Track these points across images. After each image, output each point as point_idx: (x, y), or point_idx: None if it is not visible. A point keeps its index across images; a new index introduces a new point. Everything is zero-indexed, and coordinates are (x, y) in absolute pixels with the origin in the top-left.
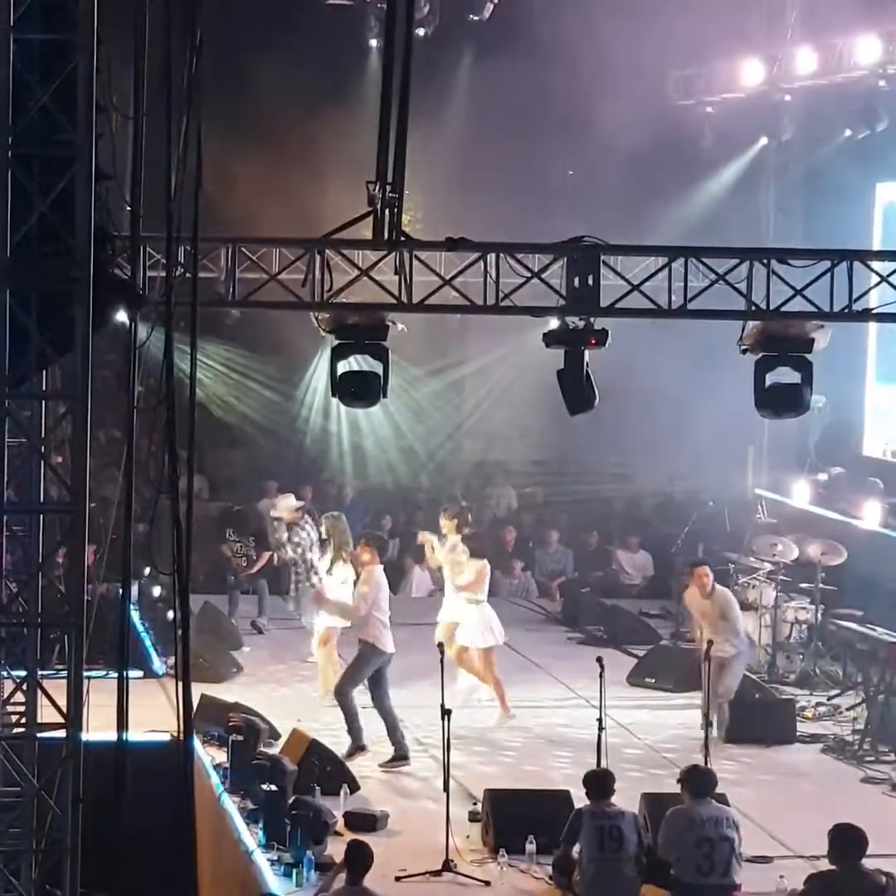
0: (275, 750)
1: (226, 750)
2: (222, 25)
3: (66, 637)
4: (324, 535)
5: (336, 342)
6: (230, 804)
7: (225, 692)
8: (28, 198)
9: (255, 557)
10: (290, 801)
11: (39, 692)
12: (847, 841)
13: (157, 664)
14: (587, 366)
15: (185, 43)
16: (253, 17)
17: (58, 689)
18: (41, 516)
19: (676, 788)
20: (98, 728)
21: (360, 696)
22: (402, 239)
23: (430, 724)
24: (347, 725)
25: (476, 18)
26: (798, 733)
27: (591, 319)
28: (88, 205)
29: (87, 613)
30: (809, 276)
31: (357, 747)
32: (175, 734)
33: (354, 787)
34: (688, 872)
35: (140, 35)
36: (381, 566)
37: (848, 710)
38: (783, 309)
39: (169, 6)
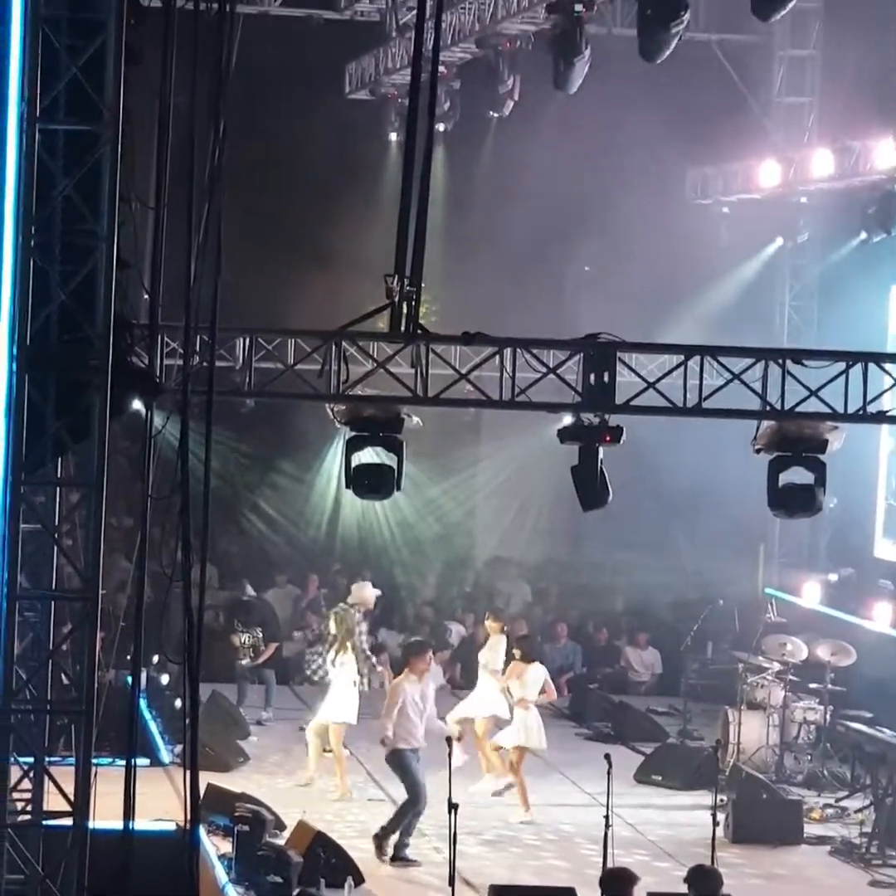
0: (280, 841)
1: (231, 840)
2: (244, 117)
3: (74, 724)
4: (332, 629)
5: (351, 434)
6: (235, 895)
7: (231, 782)
8: (49, 285)
9: (262, 648)
10: (295, 892)
11: (47, 779)
12: None
13: (164, 752)
14: (601, 462)
15: (208, 134)
16: (275, 110)
17: (64, 775)
18: (52, 602)
19: (683, 888)
20: (104, 815)
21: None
22: (419, 332)
23: (436, 816)
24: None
25: (496, 115)
26: (805, 834)
27: (606, 416)
28: (109, 293)
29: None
30: (824, 376)
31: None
32: (181, 823)
33: (359, 879)
34: None
35: (164, 127)
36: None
37: (856, 812)
38: (798, 409)
39: (193, 100)
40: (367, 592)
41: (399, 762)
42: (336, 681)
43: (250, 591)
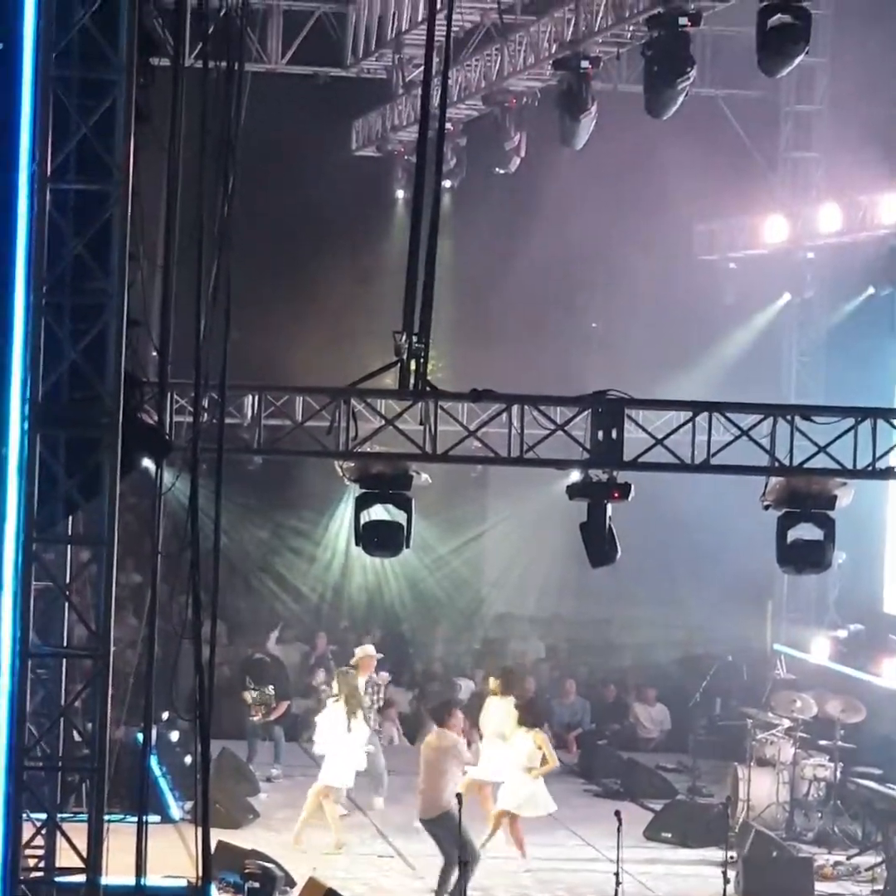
0: None
1: None
2: (252, 174)
3: (86, 781)
4: (335, 691)
5: (360, 491)
6: None
7: (241, 838)
8: (59, 344)
9: (273, 705)
10: None
11: (59, 835)
12: None
13: (174, 809)
14: (610, 519)
15: (216, 192)
16: (283, 167)
17: (76, 832)
18: (64, 659)
19: None
20: (115, 872)
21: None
22: (427, 389)
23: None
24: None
25: (502, 171)
26: (816, 892)
27: (615, 473)
28: (119, 351)
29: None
30: (833, 432)
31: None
32: (192, 880)
33: None
34: None
35: (173, 185)
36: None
37: (867, 870)
38: (806, 465)
39: (202, 157)
40: (369, 653)
41: (447, 823)
42: (344, 744)
43: (273, 642)
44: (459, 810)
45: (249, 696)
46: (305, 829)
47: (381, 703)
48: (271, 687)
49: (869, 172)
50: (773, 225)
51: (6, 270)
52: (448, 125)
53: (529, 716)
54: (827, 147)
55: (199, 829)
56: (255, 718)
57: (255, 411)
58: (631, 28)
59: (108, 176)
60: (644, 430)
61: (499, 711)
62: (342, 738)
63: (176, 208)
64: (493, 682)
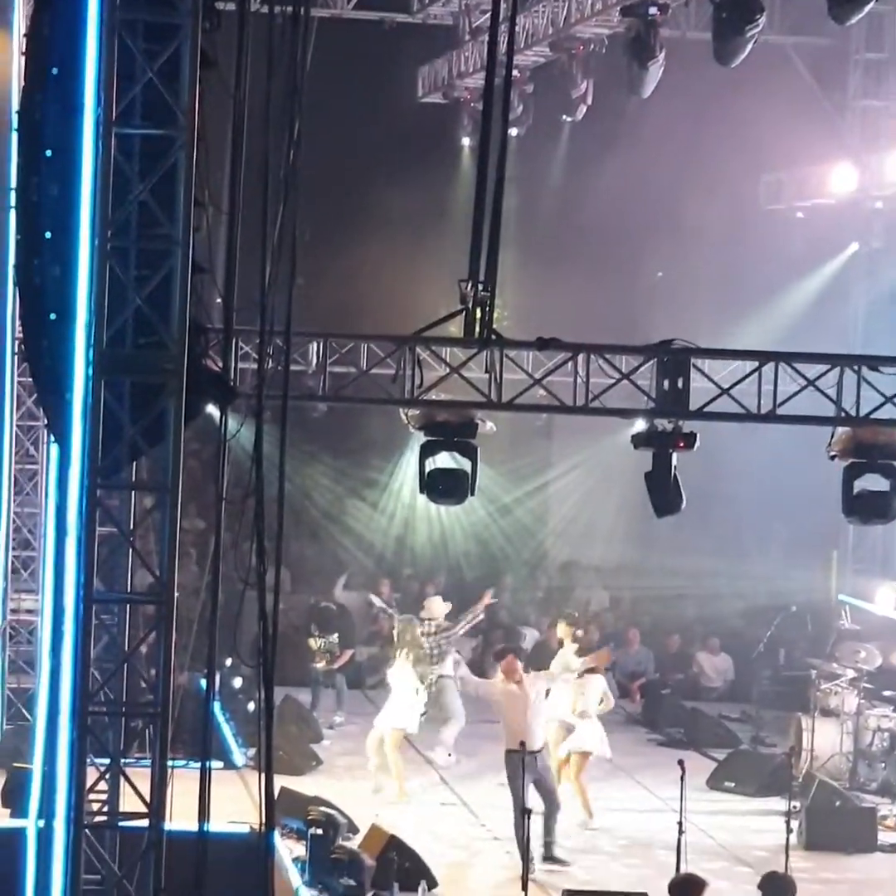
0: (353, 844)
1: (304, 843)
2: (317, 121)
3: (149, 726)
4: (395, 636)
5: (425, 439)
6: None
7: (304, 785)
8: (124, 290)
9: (337, 654)
10: None
11: (123, 781)
12: None
13: (237, 755)
14: (675, 469)
15: (282, 138)
16: (349, 113)
17: (140, 777)
18: (128, 605)
19: (756, 894)
20: (179, 818)
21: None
22: (493, 337)
23: (509, 821)
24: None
25: (569, 119)
26: (879, 842)
27: (680, 422)
28: (184, 298)
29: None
30: None
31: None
32: (255, 826)
33: (432, 883)
34: None
35: (238, 130)
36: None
37: None
38: (873, 416)
39: (268, 103)
40: (436, 606)
41: (507, 764)
42: (396, 688)
43: (340, 589)
44: (523, 760)
45: (315, 643)
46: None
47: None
48: (336, 635)
49: None
50: (841, 174)
51: (72, 215)
52: (515, 72)
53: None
54: None
55: (263, 776)
56: (319, 666)
57: (320, 358)
58: None
59: (174, 121)
60: (710, 379)
61: (567, 655)
62: (396, 684)
63: (242, 154)
64: (563, 625)
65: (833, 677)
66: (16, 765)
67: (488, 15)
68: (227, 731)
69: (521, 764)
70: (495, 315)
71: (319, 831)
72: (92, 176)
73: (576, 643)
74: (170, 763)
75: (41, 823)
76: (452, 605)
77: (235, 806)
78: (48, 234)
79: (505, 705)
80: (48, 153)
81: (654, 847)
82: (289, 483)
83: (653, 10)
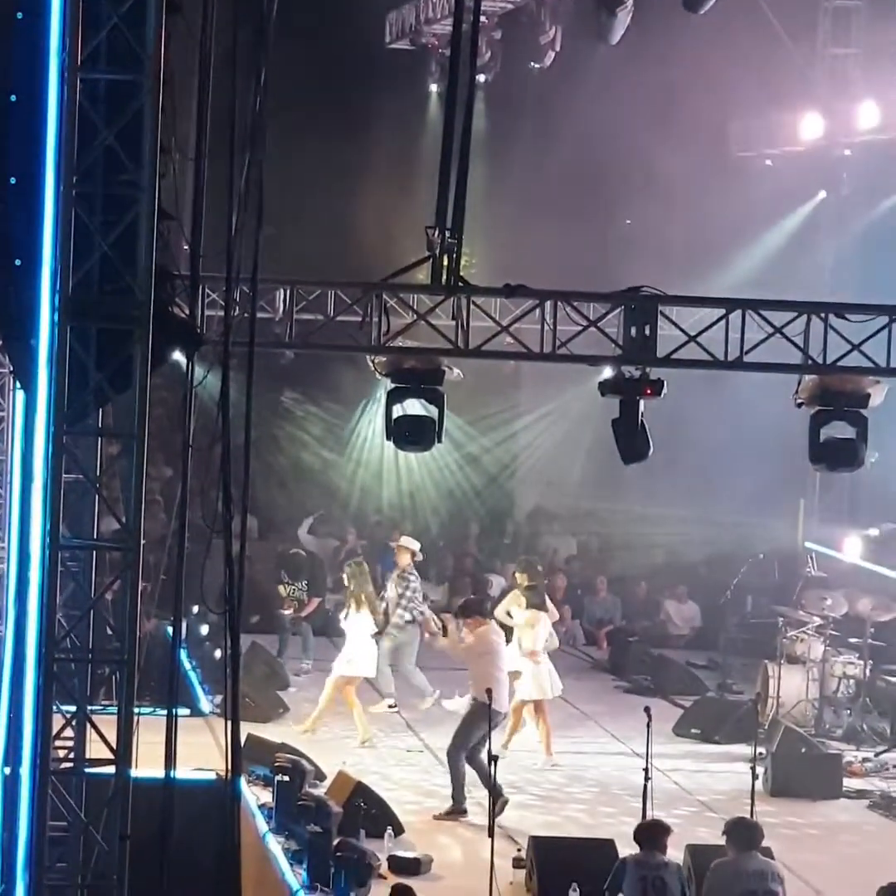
0: (320, 791)
1: (271, 790)
2: (283, 67)
3: (115, 673)
4: (346, 581)
5: (392, 386)
6: (274, 844)
7: (271, 732)
8: (90, 236)
9: (306, 601)
10: (335, 842)
11: (89, 727)
12: None
13: (204, 702)
14: (642, 416)
15: (249, 84)
16: (314, 60)
17: (106, 724)
18: (94, 552)
19: (721, 840)
20: (145, 765)
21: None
22: (460, 284)
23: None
24: (452, 786)
25: (537, 66)
26: (844, 789)
27: (647, 369)
28: (150, 244)
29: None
30: (867, 330)
31: (457, 810)
32: (221, 773)
33: (399, 830)
34: None
35: (204, 75)
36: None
37: (895, 766)
38: (840, 363)
39: (235, 48)
40: (408, 542)
41: (471, 708)
42: (351, 634)
43: (305, 530)
44: (489, 706)
45: (284, 590)
46: (321, 719)
47: (410, 597)
48: (306, 583)
49: None
50: (810, 122)
51: (37, 161)
52: (483, 18)
53: (539, 600)
54: (865, 44)
55: (229, 723)
56: (287, 613)
57: (287, 305)
58: None
59: (139, 66)
60: (677, 326)
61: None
62: (351, 630)
63: (208, 100)
64: (520, 574)
65: (799, 625)
66: None
67: None
68: (193, 678)
69: (488, 718)
70: (462, 262)
71: (286, 778)
72: (57, 121)
73: (528, 590)
74: (136, 710)
75: (7, 770)
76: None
77: (202, 753)
78: (13, 180)
79: (471, 662)
80: (13, 98)
81: (621, 793)
82: (256, 430)
83: None
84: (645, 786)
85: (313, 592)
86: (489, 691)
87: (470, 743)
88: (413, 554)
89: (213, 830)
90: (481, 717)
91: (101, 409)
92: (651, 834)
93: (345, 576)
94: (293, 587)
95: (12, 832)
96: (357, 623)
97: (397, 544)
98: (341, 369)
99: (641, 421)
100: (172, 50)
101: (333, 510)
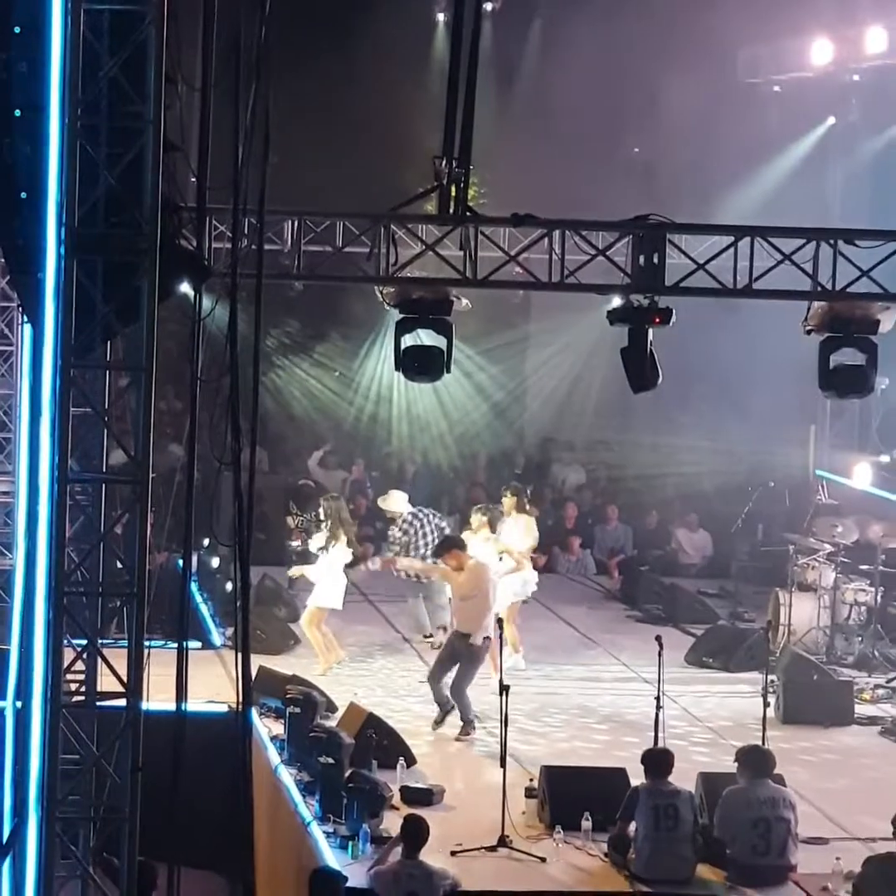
0: (332, 723)
1: (283, 722)
2: None
3: (126, 607)
4: (322, 516)
5: (400, 316)
6: (287, 776)
7: (282, 664)
8: (96, 169)
9: (315, 532)
10: (347, 774)
11: (100, 661)
12: None
13: (215, 635)
14: (651, 344)
15: (253, 15)
16: None
17: (117, 658)
18: (103, 485)
19: (733, 768)
20: (156, 697)
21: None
22: (468, 214)
23: (483, 700)
24: (462, 713)
25: None
26: (856, 715)
27: (656, 298)
28: (156, 176)
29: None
30: (876, 256)
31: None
32: (233, 705)
33: (411, 761)
34: (743, 852)
35: (209, 6)
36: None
37: None
38: (849, 290)
39: None
40: (396, 501)
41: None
42: (324, 568)
43: (315, 462)
44: (501, 636)
45: (292, 521)
46: (331, 654)
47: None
48: (314, 513)
49: None
50: (818, 48)
51: (42, 92)
52: None
53: (520, 504)
54: None
55: (239, 655)
56: (295, 544)
57: (295, 237)
58: None
59: None
60: (686, 254)
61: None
62: (324, 561)
63: (213, 30)
64: (507, 500)
65: (810, 552)
66: None
67: None
68: (204, 610)
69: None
70: (470, 192)
71: (297, 710)
72: (61, 53)
73: (521, 514)
74: (147, 643)
75: (19, 704)
76: (428, 492)
77: (213, 685)
78: (18, 112)
79: (465, 601)
80: (17, 30)
81: (633, 722)
82: (265, 362)
83: None
84: (656, 714)
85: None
86: (488, 639)
87: (471, 681)
88: (398, 515)
89: (225, 763)
90: (480, 658)
91: (109, 343)
92: (661, 761)
93: (321, 511)
94: (302, 518)
95: (24, 766)
96: (331, 557)
97: (386, 500)
98: (350, 301)
99: (650, 350)
100: None
101: (344, 442)
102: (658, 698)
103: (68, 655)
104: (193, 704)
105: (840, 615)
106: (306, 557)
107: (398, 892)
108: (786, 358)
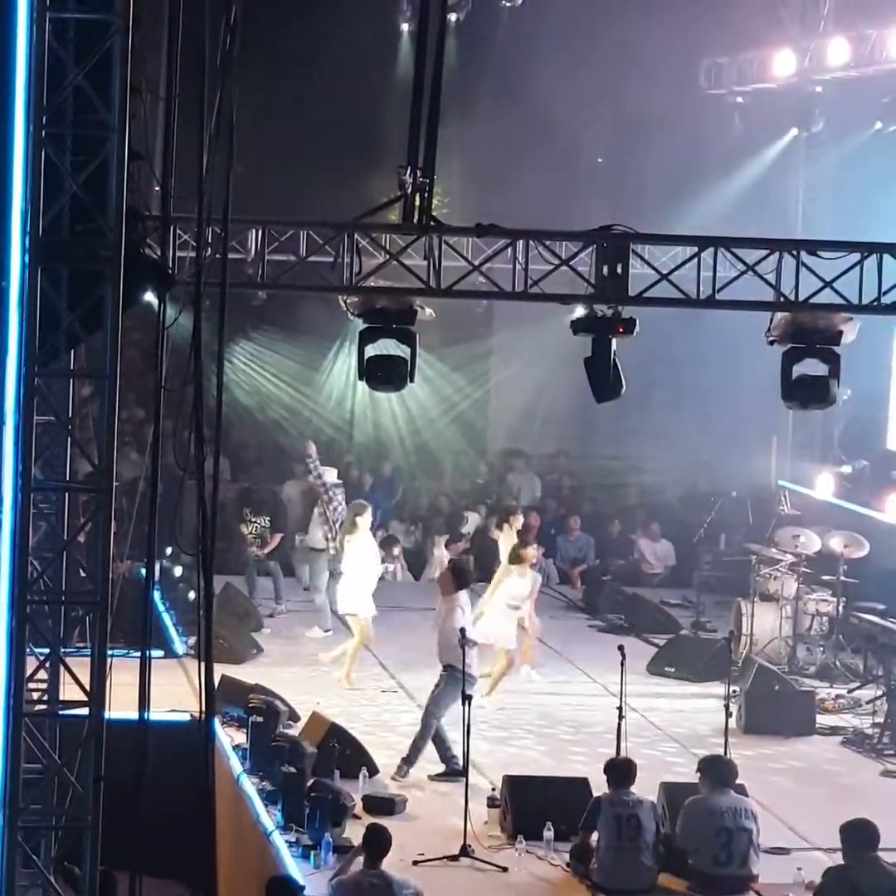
0: (294, 732)
1: (245, 731)
2: (255, 7)
3: (89, 615)
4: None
5: (364, 326)
6: (249, 785)
7: (245, 673)
8: (60, 177)
9: (268, 539)
10: (309, 783)
11: (62, 669)
12: (859, 836)
13: (178, 644)
14: (615, 354)
15: (219, 24)
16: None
17: (80, 666)
18: (67, 494)
19: (695, 778)
20: (119, 707)
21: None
22: (432, 224)
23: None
24: (439, 751)
25: (508, 4)
26: (817, 725)
27: (620, 308)
28: (121, 184)
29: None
30: (839, 268)
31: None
32: (195, 714)
33: (373, 770)
34: (705, 862)
35: (175, 15)
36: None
37: (868, 703)
38: (812, 301)
39: None
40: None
41: None
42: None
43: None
44: (462, 645)
45: (246, 527)
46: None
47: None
48: (268, 518)
49: (878, 5)
50: (781, 59)
51: (6, 101)
52: None
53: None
54: None
55: (203, 664)
56: (252, 550)
57: (259, 246)
58: None
59: (109, 5)
60: (649, 265)
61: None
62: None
63: (178, 40)
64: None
65: (773, 562)
66: None
67: None
68: (167, 619)
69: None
70: (434, 202)
71: (260, 719)
72: (26, 61)
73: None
74: (109, 652)
75: None
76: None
77: (176, 694)
78: None
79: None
80: None
81: (595, 732)
82: (228, 371)
83: None
84: (619, 724)
85: (276, 528)
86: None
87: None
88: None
89: (187, 771)
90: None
91: (72, 351)
92: (623, 771)
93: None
94: (255, 524)
95: None
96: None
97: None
98: (313, 310)
99: (614, 359)
100: None
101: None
102: (620, 708)
103: (31, 664)
104: (156, 713)
105: (802, 625)
106: (265, 564)
107: None
108: (748, 368)
